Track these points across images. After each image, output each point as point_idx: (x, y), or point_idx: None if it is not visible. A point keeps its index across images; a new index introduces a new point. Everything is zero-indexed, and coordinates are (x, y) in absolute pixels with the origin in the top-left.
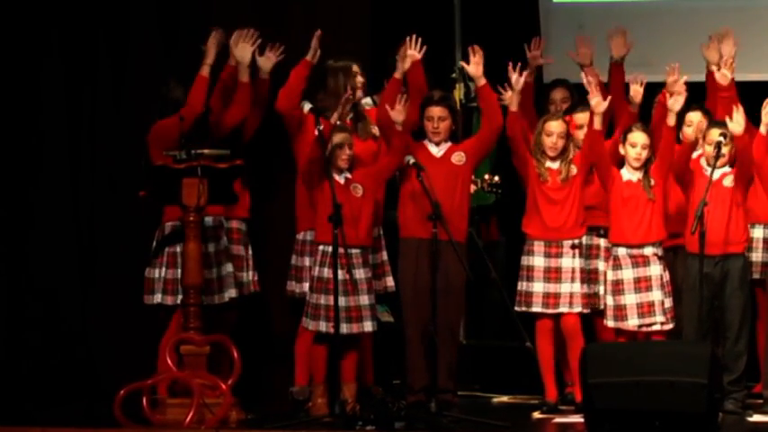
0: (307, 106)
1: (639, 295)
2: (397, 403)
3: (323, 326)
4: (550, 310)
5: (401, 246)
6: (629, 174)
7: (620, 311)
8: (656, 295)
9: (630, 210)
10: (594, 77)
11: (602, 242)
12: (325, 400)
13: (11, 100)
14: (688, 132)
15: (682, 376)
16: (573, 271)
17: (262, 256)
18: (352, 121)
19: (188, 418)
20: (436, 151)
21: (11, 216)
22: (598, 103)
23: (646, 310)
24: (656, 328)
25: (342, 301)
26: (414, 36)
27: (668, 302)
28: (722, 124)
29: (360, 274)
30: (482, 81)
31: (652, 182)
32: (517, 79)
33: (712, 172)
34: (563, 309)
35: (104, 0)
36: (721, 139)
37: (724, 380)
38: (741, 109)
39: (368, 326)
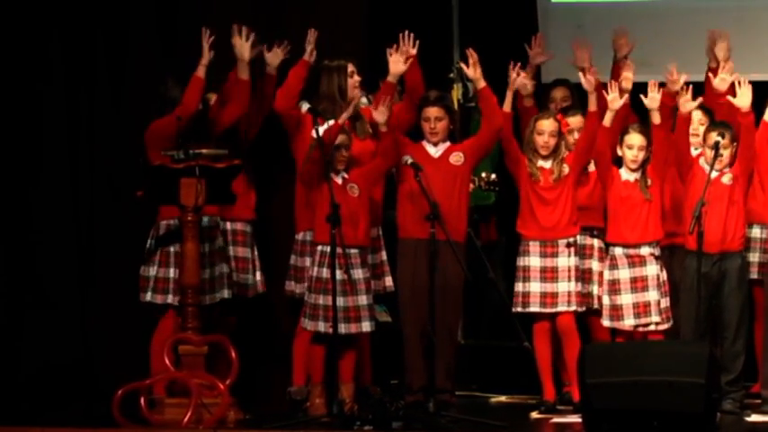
0: (305, 106)
1: (636, 295)
2: (395, 403)
3: (321, 326)
4: (548, 309)
5: (399, 246)
6: (627, 173)
7: (616, 311)
8: (652, 295)
9: (627, 209)
10: (595, 77)
11: (596, 242)
12: (324, 400)
13: (10, 100)
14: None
15: (680, 376)
16: (569, 269)
17: (263, 256)
18: (350, 120)
19: (186, 418)
20: (434, 151)
21: (10, 216)
22: (614, 99)
23: (642, 309)
24: (652, 327)
25: (340, 301)
26: (407, 32)
27: (664, 302)
28: (722, 125)
29: (358, 274)
30: (482, 83)
31: (649, 182)
32: (514, 78)
33: (710, 171)
34: (561, 308)
35: (103, 0)
36: (719, 139)
37: (722, 380)
38: (749, 85)
39: (366, 326)
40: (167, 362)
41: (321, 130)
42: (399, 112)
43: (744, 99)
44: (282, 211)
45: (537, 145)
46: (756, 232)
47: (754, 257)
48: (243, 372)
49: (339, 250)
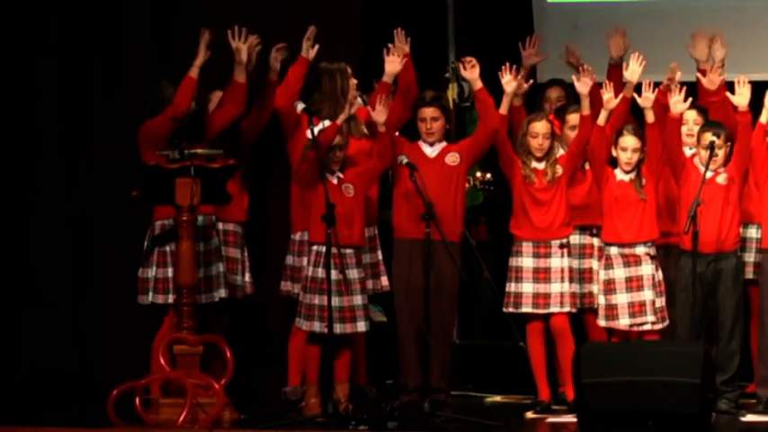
0: (300, 106)
1: (631, 294)
2: (390, 403)
3: (316, 326)
4: (541, 311)
5: (395, 246)
6: (621, 173)
7: (611, 311)
8: (647, 295)
9: (622, 209)
10: (591, 78)
11: (596, 241)
12: (318, 400)
13: (5, 99)
14: (675, 115)
15: (675, 376)
16: (562, 271)
17: (256, 256)
18: (345, 121)
19: (181, 418)
20: (430, 151)
21: (5, 216)
22: (610, 99)
23: (637, 309)
24: (647, 327)
25: (335, 301)
26: (400, 30)
27: (659, 302)
28: (716, 125)
29: (353, 274)
30: (478, 85)
31: (644, 181)
32: (508, 81)
33: (705, 171)
34: (554, 309)
35: (98, 0)
36: (714, 139)
37: (717, 380)
38: (748, 84)
39: (361, 326)
40: (162, 362)
41: (316, 130)
42: (392, 111)
43: (742, 98)
44: (277, 211)
45: (531, 147)
46: (752, 232)
47: (750, 257)
48: (238, 372)
49: (334, 250)
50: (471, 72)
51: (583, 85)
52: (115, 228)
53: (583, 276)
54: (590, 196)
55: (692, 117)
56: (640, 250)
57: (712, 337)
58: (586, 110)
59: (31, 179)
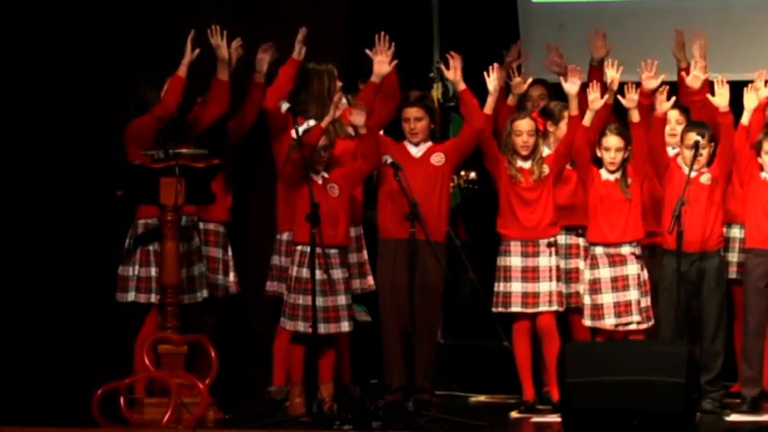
0: (284, 106)
1: (616, 294)
2: (375, 403)
3: (301, 326)
4: (530, 310)
5: (380, 246)
6: (607, 173)
7: (597, 311)
8: (632, 294)
9: (607, 209)
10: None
11: (581, 241)
12: (303, 399)
13: None
14: (659, 115)
15: (659, 376)
16: (550, 269)
17: (241, 256)
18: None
19: (165, 418)
20: (415, 151)
21: None
22: (595, 99)
23: (623, 309)
24: (633, 327)
25: (320, 301)
26: (383, 34)
27: (645, 302)
28: (700, 125)
29: (337, 274)
30: (462, 86)
31: (629, 181)
32: (495, 84)
33: (690, 171)
34: (542, 308)
35: (83, 2)
36: (699, 138)
37: (701, 379)
38: (726, 85)
39: (345, 326)
40: (147, 361)
41: (301, 129)
42: (376, 111)
43: (722, 98)
44: (262, 211)
45: (516, 146)
46: (735, 232)
47: (733, 257)
48: (222, 371)
49: (318, 250)
50: (454, 73)
51: (571, 86)
52: (100, 228)
53: (569, 276)
54: (575, 197)
55: (674, 117)
56: (626, 250)
57: (696, 336)
58: (575, 110)
59: (16, 179)
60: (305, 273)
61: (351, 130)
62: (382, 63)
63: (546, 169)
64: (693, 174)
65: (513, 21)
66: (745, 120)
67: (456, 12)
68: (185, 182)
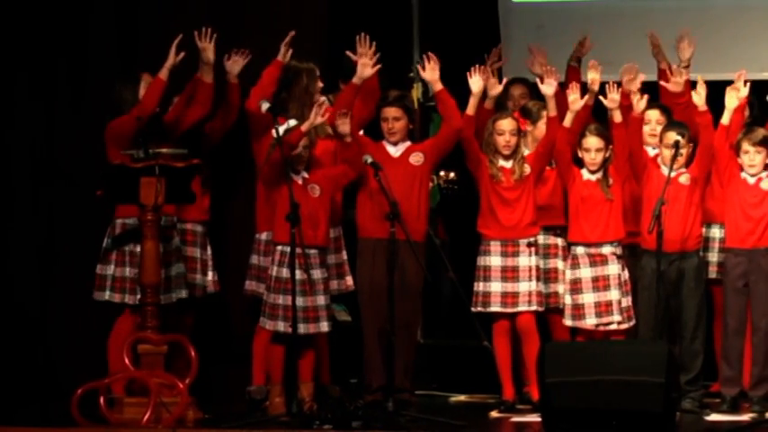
0: (265, 105)
1: (597, 294)
2: (355, 402)
3: (281, 326)
4: (509, 310)
5: (359, 245)
6: (588, 173)
7: (577, 310)
8: (613, 294)
9: (588, 209)
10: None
11: (560, 241)
12: (283, 399)
13: None
14: (637, 115)
15: (639, 375)
16: (530, 269)
17: (220, 256)
18: None
19: (145, 418)
20: (394, 151)
21: None
22: (575, 100)
23: (603, 309)
24: (613, 327)
25: (299, 301)
26: (363, 35)
27: (626, 302)
28: (680, 125)
29: (317, 274)
30: (438, 86)
31: (611, 181)
32: (476, 81)
33: (670, 171)
34: (522, 307)
35: (64, 3)
36: (679, 138)
37: (681, 379)
38: (704, 83)
39: (324, 326)
40: (126, 361)
41: (281, 129)
42: (356, 111)
43: (699, 98)
44: (241, 211)
45: (498, 145)
46: (715, 232)
47: (713, 257)
48: (202, 371)
49: (298, 250)
50: (431, 74)
51: (548, 87)
52: (80, 227)
53: (548, 276)
54: (554, 197)
55: (654, 117)
56: (607, 250)
57: (675, 336)
58: (553, 111)
59: None
60: (285, 272)
61: (331, 130)
62: (365, 66)
63: (527, 169)
64: (673, 174)
65: (493, 20)
66: (725, 120)
67: (436, 11)
68: (165, 181)
